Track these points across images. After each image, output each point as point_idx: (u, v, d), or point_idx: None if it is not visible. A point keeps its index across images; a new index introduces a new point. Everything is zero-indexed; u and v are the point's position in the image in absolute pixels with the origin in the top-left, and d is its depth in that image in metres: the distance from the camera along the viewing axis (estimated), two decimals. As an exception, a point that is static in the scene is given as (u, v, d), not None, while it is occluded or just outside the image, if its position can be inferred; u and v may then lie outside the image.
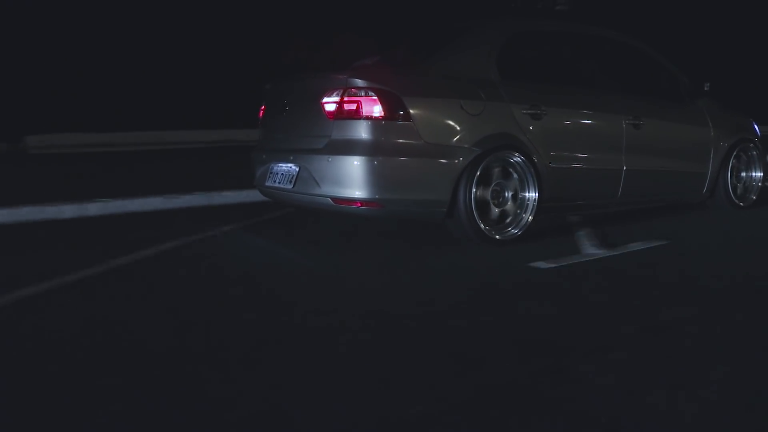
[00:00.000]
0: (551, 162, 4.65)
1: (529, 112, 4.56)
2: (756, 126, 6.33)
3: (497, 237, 4.42)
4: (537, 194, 4.56)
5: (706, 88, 5.61)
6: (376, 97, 4.10)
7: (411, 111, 4.14)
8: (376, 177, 4.10)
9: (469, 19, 4.96)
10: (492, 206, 4.47)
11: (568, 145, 4.79)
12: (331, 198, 4.25)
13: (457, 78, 4.42)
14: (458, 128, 4.30)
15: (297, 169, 4.44)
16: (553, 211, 4.86)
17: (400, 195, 4.19)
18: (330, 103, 4.24)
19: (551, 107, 4.67)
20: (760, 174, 6.16)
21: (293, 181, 4.47)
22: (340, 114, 4.19)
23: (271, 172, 4.72)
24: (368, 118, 4.11)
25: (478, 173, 4.32)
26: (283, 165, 4.58)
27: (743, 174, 6.13)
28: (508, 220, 4.54)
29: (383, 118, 4.11)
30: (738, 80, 20.67)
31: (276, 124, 4.88)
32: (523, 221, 4.54)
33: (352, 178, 4.14)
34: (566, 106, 4.81)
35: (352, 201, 4.17)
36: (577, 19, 5.27)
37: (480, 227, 4.34)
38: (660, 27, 19.53)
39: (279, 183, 4.62)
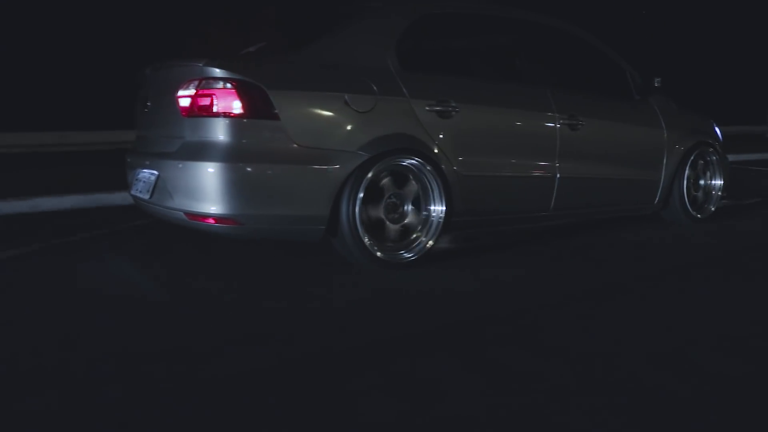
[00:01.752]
0: (463, 169, 3.89)
1: (435, 109, 3.78)
2: (717, 128, 5.58)
3: (386, 258, 3.66)
4: (444, 208, 3.80)
5: (656, 84, 4.84)
6: (234, 90, 3.32)
7: (279, 107, 3.36)
8: (234, 188, 3.33)
9: (372, -1, 4.12)
10: (387, 223, 3.72)
11: (485, 148, 4.02)
12: (183, 212, 3.48)
13: (343, 68, 3.64)
14: (341, 128, 3.52)
15: (155, 177, 3.67)
16: (469, 226, 4.11)
17: (264, 210, 3.41)
18: (184, 97, 3.46)
19: (464, 104, 3.89)
20: (720, 182, 5.41)
21: (151, 190, 3.70)
22: (194, 110, 3.41)
23: (135, 179, 3.95)
24: (225, 115, 3.33)
25: (367, 183, 3.56)
26: (145, 171, 3.80)
27: (702, 182, 5.38)
28: (409, 239, 3.78)
29: (243, 115, 3.33)
30: (699, 78, 19.86)
31: (141, 121, 4.11)
32: (421, 243, 3.77)
33: (204, 190, 3.36)
34: (483, 102, 4.03)
35: (205, 217, 3.40)
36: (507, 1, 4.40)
37: (367, 248, 3.58)
38: (613, 17, 18.37)
39: (140, 192, 3.85)
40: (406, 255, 3.72)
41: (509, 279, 3.62)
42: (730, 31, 22.38)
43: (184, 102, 3.45)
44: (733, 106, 17.68)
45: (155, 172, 3.65)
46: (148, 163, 3.75)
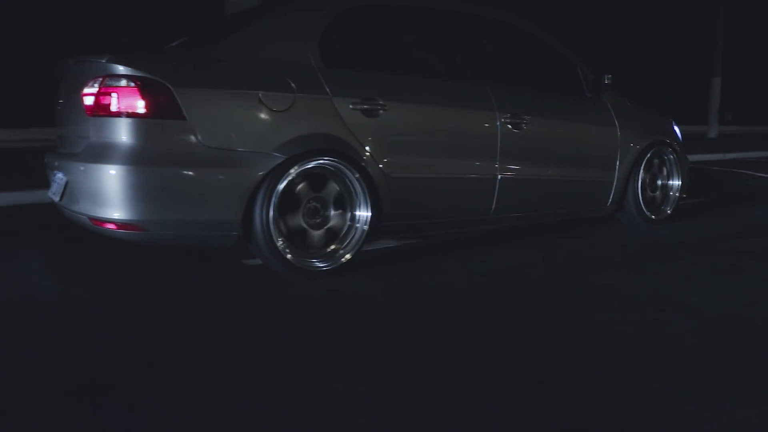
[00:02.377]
0: (392, 171, 3.69)
1: (360, 107, 3.58)
2: (677, 127, 5.39)
3: (304, 266, 3.47)
4: (370, 213, 3.61)
5: (606, 81, 4.62)
6: (136, 88, 3.13)
7: (185, 106, 3.16)
8: (136, 193, 3.14)
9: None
10: (308, 229, 3.53)
11: (416, 148, 3.83)
12: (87, 217, 3.30)
13: (259, 64, 3.44)
14: (254, 129, 3.33)
15: (65, 179, 3.48)
16: (401, 231, 3.92)
17: (170, 216, 3.22)
18: (88, 95, 3.27)
19: (393, 101, 3.69)
20: (678, 183, 5.22)
21: (61, 192, 3.51)
22: (97, 109, 3.22)
23: (52, 180, 3.76)
24: (128, 115, 3.14)
25: (283, 186, 3.37)
26: (58, 173, 3.61)
27: (659, 183, 5.19)
28: (328, 249, 3.59)
29: (147, 115, 3.14)
30: (656, 76, 19.58)
31: (58, 118, 3.91)
32: (341, 252, 3.58)
33: (106, 193, 3.17)
34: (415, 100, 3.82)
35: (106, 222, 3.21)
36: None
37: (282, 255, 3.39)
38: (567, 14, 17.90)
39: (54, 194, 3.66)
40: (324, 264, 3.53)
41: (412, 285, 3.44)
42: (670, 32, 22.15)
43: (89, 100, 3.26)
44: (675, 105, 17.52)
45: (63, 173, 3.46)
46: (57, 164, 3.56)
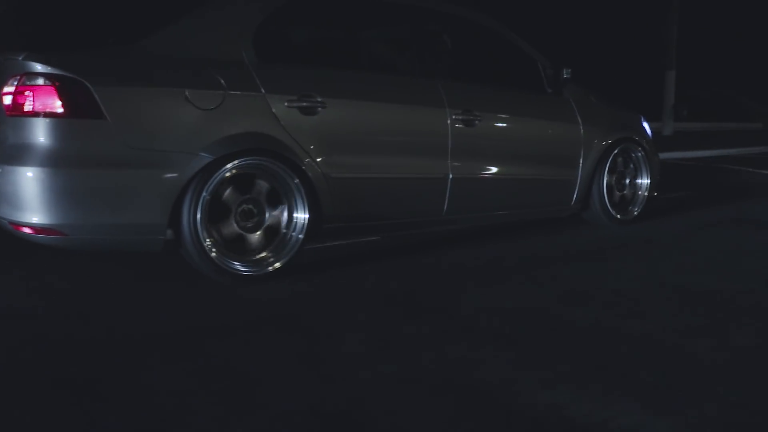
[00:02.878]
0: (333, 171, 3.55)
1: (297, 105, 3.44)
2: (646, 124, 5.23)
3: (236, 271, 3.34)
4: (308, 214, 3.47)
5: (565, 75, 4.47)
6: (53, 86, 3.00)
7: (105, 105, 3.03)
8: (54, 195, 3.00)
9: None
10: (237, 230, 3.39)
11: (359, 147, 3.68)
12: (8, 221, 3.17)
13: (187, 61, 3.30)
14: (180, 128, 3.19)
15: None
16: (345, 233, 3.79)
17: (91, 219, 3.09)
18: (7, 95, 3.14)
19: (332, 98, 3.55)
20: (647, 181, 5.07)
21: None
22: (15, 109, 3.08)
23: None
24: (46, 115, 3.00)
25: (211, 187, 3.23)
26: None
27: (627, 181, 5.04)
28: (262, 254, 3.45)
29: (66, 115, 3.01)
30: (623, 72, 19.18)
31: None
32: (284, 252, 3.45)
33: (24, 197, 3.04)
34: (357, 96, 3.68)
35: (25, 226, 3.09)
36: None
37: (212, 259, 3.26)
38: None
39: None
40: (259, 268, 3.39)
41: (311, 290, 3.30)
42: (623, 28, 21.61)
43: (7, 100, 3.12)
44: (629, 100, 17.20)
45: None
46: None
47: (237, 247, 3.39)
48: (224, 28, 3.43)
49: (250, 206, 3.41)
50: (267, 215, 3.45)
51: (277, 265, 3.42)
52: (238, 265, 3.33)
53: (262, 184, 3.42)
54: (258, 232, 3.44)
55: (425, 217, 4.04)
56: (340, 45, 4.07)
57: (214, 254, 3.26)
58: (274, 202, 3.45)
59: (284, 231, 3.46)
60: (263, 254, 3.43)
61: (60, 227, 3.04)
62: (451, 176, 4.00)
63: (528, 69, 4.55)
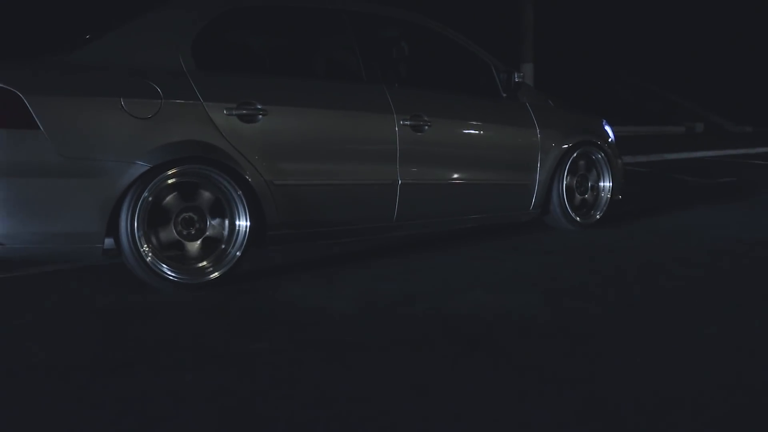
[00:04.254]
0: (276, 178, 3.56)
1: (236, 112, 3.45)
2: (608, 127, 5.23)
3: (176, 279, 3.34)
4: (249, 222, 3.48)
5: (516, 79, 4.47)
6: (-16, 97, 3.02)
7: (38, 114, 3.05)
8: (-12, 205, 3.03)
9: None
10: (183, 240, 3.40)
11: (303, 154, 3.69)
12: (-55, 232, 3.18)
13: (122, 69, 3.32)
14: (116, 137, 3.20)
15: None
16: (292, 241, 3.78)
17: (26, 228, 3.10)
18: (-57, 105, 3.17)
19: (273, 105, 3.56)
20: (608, 184, 5.05)
21: None
22: (-51, 120, 3.12)
23: None
24: (-22, 125, 3.04)
25: (149, 195, 3.25)
26: None
27: (588, 185, 5.03)
28: (210, 258, 3.46)
29: (-2, 125, 3.04)
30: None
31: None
32: (225, 260, 3.46)
33: (-44, 207, 3.07)
34: (299, 104, 3.68)
35: (-40, 236, 3.10)
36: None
37: (150, 267, 3.27)
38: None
39: None
40: (201, 276, 3.40)
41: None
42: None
43: (-57, 111, 3.15)
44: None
45: None
46: None
47: (176, 255, 3.39)
48: (162, 37, 3.44)
49: (191, 214, 3.42)
50: (208, 224, 3.46)
51: (216, 275, 3.42)
52: (172, 274, 3.33)
53: (203, 193, 3.43)
54: (197, 241, 3.44)
55: (375, 223, 4.03)
56: (281, 52, 4.09)
57: (150, 261, 3.27)
58: (216, 210, 3.46)
59: (227, 236, 3.46)
60: (203, 263, 3.43)
61: (-6, 237, 3.06)
62: (400, 182, 4.00)
63: (482, 73, 4.56)
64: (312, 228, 3.80)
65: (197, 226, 3.44)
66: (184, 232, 3.41)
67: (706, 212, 5.82)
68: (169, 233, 3.37)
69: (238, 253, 3.47)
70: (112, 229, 3.23)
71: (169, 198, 3.35)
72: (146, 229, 3.27)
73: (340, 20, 4.01)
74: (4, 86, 3.03)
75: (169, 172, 3.29)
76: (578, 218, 4.89)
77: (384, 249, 4.32)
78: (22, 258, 3.42)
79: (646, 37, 19.10)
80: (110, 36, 3.42)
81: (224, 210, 3.47)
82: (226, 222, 3.47)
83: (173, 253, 3.39)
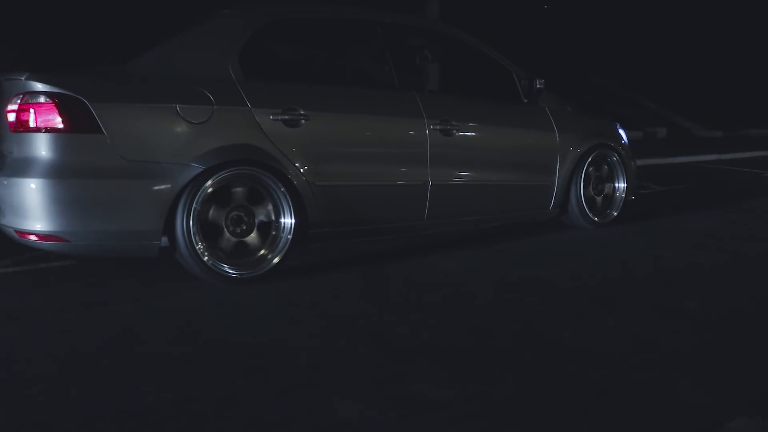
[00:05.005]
0: (318, 179, 3.78)
1: (281, 118, 3.68)
2: (622, 130, 5.45)
3: (228, 274, 3.56)
4: (294, 220, 3.70)
5: (538, 86, 4.70)
6: (54, 104, 3.24)
7: (102, 120, 3.28)
8: (56, 204, 3.25)
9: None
10: (227, 235, 3.62)
11: (342, 157, 3.92)
12: (14, 229, 3.41)
13: (177, 78, 3.54)
14: (172, 141, 3.43)
15: None
16: (330, 238, 3.99)
17: (91, 226, 3.33)
18: (11, 112, 3.39)
19: (315, 111, 3.79)
20: (623, 185, 5.28)
21: None
22: (18, 126, 3.34)
23: None
24: (47, 130, 3.26)
25: (202, 195, 3.47)
26: None
27: (604, 185, 5.25)
28: (255, 256, 3.67)
29: (65, 130, 3.26)
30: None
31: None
32: (267, 259, 3.67)
33: (28, 206, 3.29)
34: (338, 109, 3.92)
35: (29, 233, 3.33)
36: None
37: (205, 263, 3.48)
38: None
39: None
40: (248, 271, 3.61)
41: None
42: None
43: (11, 117, 3.38)
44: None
45: None
46: None
47: (233, 252, 3.61)
48: (212, 47, 3.67)
49: (240, 213, 3.63)
50: (256, 221, 3.67)
51: (277, 259, 3.65)
52: (227, 268, 3.55)
53: (252, 193, 3.64)
54: (245, 238, 3.65)
55: (407, 222, 4.26)
56: (320, 61, 4.31)
57: (206, 258, 3.48)
58: (263, 209, 3.68)
59: (274, 233, 3.68)
60: (262, 252, 3.64)
61: (62, 234, 3.28)
62: (431, 183, 4.22)
63: (504, 80, 4.79)
64: (350, 226, 4.02)
65: (246, 224, 3.65)
66: (234, 230, 3.62)
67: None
68: (222, 230, 3.58)
69: (284, 249, 3.68)
70: (167, 228, 3.44)
71: (221, 198, 3.56)
72: (199, 226, 3.48)
73: (374, 31, 4.24)
74: (72, 94, 3.26)
75: (220, 174, 3.51)
76: (595, 218, 5.11)
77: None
78: (85, 254, 3.63)
79: (617, 37, 18.21)
80: (163, 46, 3.65)
81: (269, 208, 3.67)
82: (272, 218, 3.67)
83: (227, 249, 3.60)
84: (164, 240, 3.49)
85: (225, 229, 3.60)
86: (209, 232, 3.55)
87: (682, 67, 18.62)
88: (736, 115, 17.28)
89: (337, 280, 3.74)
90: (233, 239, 3.62)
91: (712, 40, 19.28)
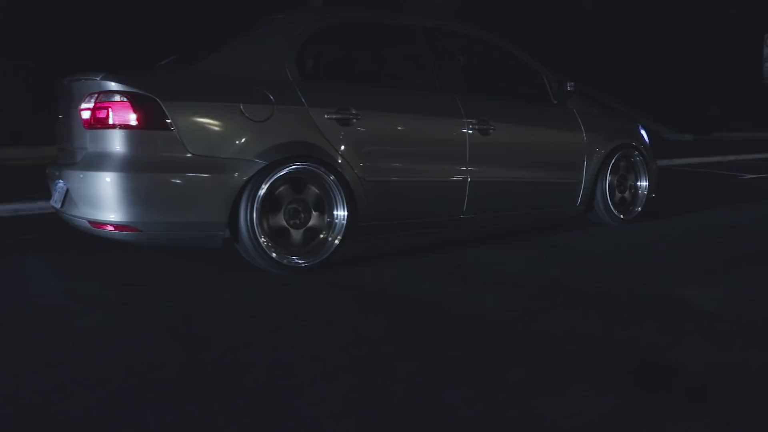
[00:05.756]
0: (367, 175, 4.01)
1: (335, 117, 3.90)
2: (644, 131, 5.70)
3: (287, 263, 3.77)
4: (347, 213, 3.92)
5: (569, 88, 4.95)
6: (128, 102, 3.46)
7: (173, 118, 3.49)
8: (130, 197, 3.46)
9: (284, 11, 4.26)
10: (286, 227, 3.84)
11: (389, 154, 4.14)
12: (87, 221, 3.62)
13: (240, 78, 3.77)
14: (237, 137, 3.65)
15: (66, 187, 3.81)
16: (378, 231, 4.21)
17: (162, 217, 3.54)
18: (85, 110, 3.61)
19: (366, 111, 4.01)
20: (645, 183, 5.52)
21: (62, 200, 3.84)
22: (94, 123, 3.55)
23: (54, 189, 4.08)
24: (122, 127, 3.47)
25: (264, 189, 3.68)
26: (59, 182, 3.94)
27: (627, 184, 5.49)
28: (310, 246, 3.89)
29: (139, 126, 3.47)
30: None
31: (57, 133, 4.25)
32: (325, 247, 3.89)
33: (103, 198, 3.50)
34: (386, 109, 4.15)
35: (105, 224, 3.54)
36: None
37: (267, 253, 3.70)
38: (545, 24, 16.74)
39: (55, 202, 4.00)
40: (306, 260, 3.83)
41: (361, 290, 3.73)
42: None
43: (85, 115, 3.59)
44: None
45: (64, 182, 3.79)
46: (58, 173, 3.89)
47: (281, 240, 3.82)
48: (270, 49, 3.90)
49: (297, 206, 3.85)
50: (312, 217, 3.89)
51: (336, 242, 3.86)
52: (296, 259, 3.78)
53: (308, 187, 3.86)
54: (301, 230, 3.87)
55: (447, 216, 4.49)
56: (369, 63, 4.55)
57: (266, 247, 3.70)
58: (320, 206, 3.89)
59: (328, 220, 3.89)
60: (318, 239, 3.86)
61: (136, 224, 3.49)
62: (469, 180, 4.45)
63: (535, 82, 5.03)
64: (395, 220, 4.24)
65: (302, 216, 3.87)
66: (291, 222, 3.84)
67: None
68: (279, 222, 3.79)
69: (337, 241, 3.90)
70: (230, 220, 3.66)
71: (279, 191, 3.78)
72: (261, 218, 3.69)
73: (416, 35, 4.47)
74: (146, 93, 3.48)
75: (280, 169, 3.72)
76: (621, 215, 5.34)
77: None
78: (154, 244, 3.84)
79: (584, 38, 17.71)
80: (226, 49, 3.88)
81: (323, 202, 3.89)
82: (326, 213, 3.89)
83: (280, 239, 3.81)
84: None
85: (284, 222, 3.81)
86: (269, 223, 3.76)
87: (651, 69, 18.51)
88: (707, 118, 17.24)
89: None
90: (291, 230, 3.84)
91: (682, 44, 19.07)
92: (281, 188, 3.79)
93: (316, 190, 3.88)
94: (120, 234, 3.55)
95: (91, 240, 3.87)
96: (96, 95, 3.54)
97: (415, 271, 3.95)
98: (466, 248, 4.56)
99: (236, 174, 3.60)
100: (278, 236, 3.80)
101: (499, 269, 4.02)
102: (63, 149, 4.13)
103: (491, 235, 4.99)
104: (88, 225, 3.63)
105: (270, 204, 3.75)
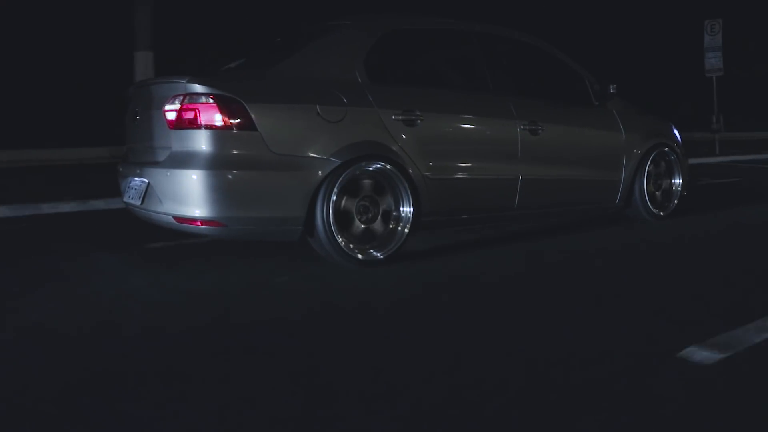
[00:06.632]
0: (430, 173, 4.21)
1: (401, 118, 4.12)
2: (676, 131, 5.93)
3: (359, 257, 3.98)
4: (412, 209, 4.13)
5: (611, 90, 5.18)
6: (215, 104, 3.66)
7: (256, 119, 3.70)
8: (216, 193, 3.66)
9: (348, 17, 4.49)
10: (357, 222, 4.04)
11: (449, 153, 4.36)
12: (172, 216, 3.82)
13: (315, 81, 3.98)
14: (314, 137, 3.85)
15: (146, 184, 4.00)
16: (438, 225, 4.43)
17: (245, 212, 3.74)
18: (170, 111, 3.80)
19: (428, 112, 4.23)
20: (679, 180, 5.75)
21: (142, 196, 4.03)
22: (180, 123, 3.75)
23: (128, 187, 4.27)
24: (208, 127, 3.67)
25: (339, 186, 3.88)
26: (136, 179, 4.13)
27: (662, 181, 5.72)
28: (376, 240, 4.09)
29: (224, 126, 3.67)
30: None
31: (131, 134, 4.44)
32: (393, 240, 4.09)
33: (190, 194, 3.70)
34: (447, 111, 4.38)
35: (192, 219, 3.74)
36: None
37: (341, 247, 3.90)
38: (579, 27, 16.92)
39: (131, 199, 4.18)
40: (378, 254, 4.03)
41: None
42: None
43: (171, 115, 3.78)
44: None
45: (145, 180, 3.98)
46: (138, 171, 4.08)
47: (362, 237, 4.02)
48: (342, 54, 4.13)
49: (366, 203, 4.05)
50: (378, 215, 4.09)
51: (407, 231, 4.06)
52: (373, 252, 4.00)
53: (377, 184, 4.07)
54: (364, 226, 4.06)
55: (500, 211, 4.71)
56: (431, 66, 4.77)
57: (341, 242, 3.90)
58: (386, 199, 4.09)
59: (395, 213, 4.08)
60: (391, 226, 4.06)
61: (221, 219, 3.69)
62: (521, 177, 4.67)
63: (577, 84, 5.26)
64: (453, 215, 4.45)
65: (372, 211, 4.07)
66: (361, 217, 4.04)
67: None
68: (351, 218, 3.99)
69: (404, 235, 4.10)
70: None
71: (352, 188, 3.98)
72: (336, 214, 3.89)
73: (471, 40, 4.71)
74: (231, 95, 3.68)
75: (353, 167, 3.93)
76: (660, 212, 5.57)
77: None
78: (237, 238, 4.04)
79: (556, 36, 18.53)
80: (300, 53, 4.10)
81: (390, 198, 4.09)
82: (394, 209, 4.09)
83: (355, 232, 4.00)
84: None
85: (355, 217, 4.02)
86: (341, 219, 3.96)
87: (615, 69, 18.55)
88: (677, 120, 17.48)
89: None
90: (362, 226, 4.04)
91: (642, 41, 19.12)
92: (356, 185, 3.98)
93: (384, 188, 4.08)
94: (206, 229, 3.75)
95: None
96: (182, 97, 3.73)
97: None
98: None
99: (314, 171, 3.80)
100: (350, 231, 3.97)
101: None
102: (137, 149, 4.32)
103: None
104: (173, 220, 3.82)
105: (343, 200, 3.94)
